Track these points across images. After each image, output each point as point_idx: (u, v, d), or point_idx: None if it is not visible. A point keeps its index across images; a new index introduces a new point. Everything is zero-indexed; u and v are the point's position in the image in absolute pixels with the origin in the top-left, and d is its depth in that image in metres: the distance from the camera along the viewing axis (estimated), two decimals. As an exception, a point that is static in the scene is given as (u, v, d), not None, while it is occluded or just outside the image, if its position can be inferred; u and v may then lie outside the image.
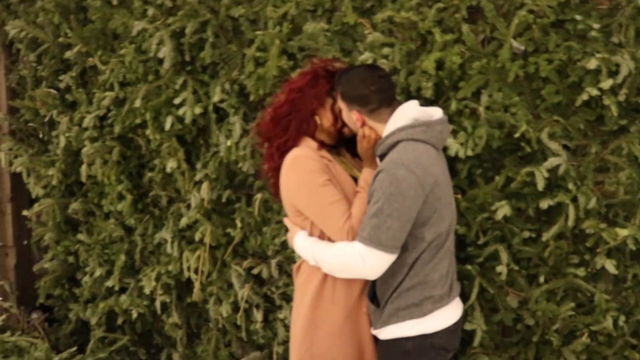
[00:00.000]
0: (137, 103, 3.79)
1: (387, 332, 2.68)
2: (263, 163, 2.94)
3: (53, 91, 4.34)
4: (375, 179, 2.54)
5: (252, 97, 3.53)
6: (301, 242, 2.77)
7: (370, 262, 2.52)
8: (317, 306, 2.75)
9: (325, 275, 2.74)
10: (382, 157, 2.67)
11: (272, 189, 2.95)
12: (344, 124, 2.82)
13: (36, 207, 4.44)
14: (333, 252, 2.63)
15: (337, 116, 2.81)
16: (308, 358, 2.75)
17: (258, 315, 3.75)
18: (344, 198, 2.67)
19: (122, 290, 4.32)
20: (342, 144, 2.98)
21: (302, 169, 2.68)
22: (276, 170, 2.82)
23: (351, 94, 2.71)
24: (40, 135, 4.56)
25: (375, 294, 2.71)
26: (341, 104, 2.76)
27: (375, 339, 2.80)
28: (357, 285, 2.77)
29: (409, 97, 3.09)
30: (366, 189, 2.67)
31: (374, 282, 2.72)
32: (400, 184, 2.47)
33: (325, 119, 2.81)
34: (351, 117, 2.73)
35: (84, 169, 4.10)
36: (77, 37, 4.07)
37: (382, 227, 2.47)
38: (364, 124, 2.72)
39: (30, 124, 4.58)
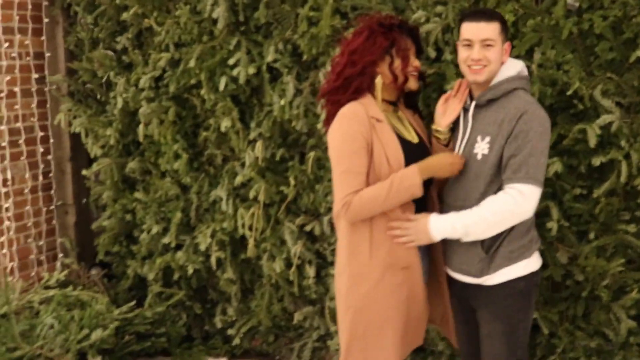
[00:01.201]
0: (192, 63, 3.91)
1: (500, 276, 2.76)
2: (324, 124, 2.98)
3: (110, 53, 4.48)
4: (519, 121, 2.62)
5: (305, 57, 3.63)
6: (442, 223, 2.73)
7: (532, 199, 2.63)
8: (355, 261, 2.80)
9: (361, 230, 2.78)
10: (489, 101, 2.74)
11: None
12: (406, 80, 2.86)
13: (95, 167, 4.62)
14: (491, 209, 2.65)
15: (395, 74, 2.83)
16: (351, 314, 2.82)
17: (310, 271, 3.89)
18: (364, 174, 2.71)
19: (178, 247, 4.48)
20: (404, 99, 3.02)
21: (343, 126, 2.74)
22: (329, 119, 2.90)
23: (506, 27, 2.77)
24: (98, 97, 4.71)
25: (483, 242, 2.76)
26: (498, 38, 2.69)
27: (471, 289, 2.85)
28: (385, 236, 2.80)
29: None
30: (394, 184, 2.69)
31: None
32: (545, 122, 2.65)
33: (385, 76, 2.83)
34: (503, 51, 2.73)
35: (141, 128, 4.25)
36: (133, -1, 4.19)
37: (538, 164, 2.61)
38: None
39: (87, 86, 4.74)
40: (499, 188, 2.70)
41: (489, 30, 2.67)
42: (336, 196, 2.74)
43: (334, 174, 2.77)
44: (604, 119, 3.01)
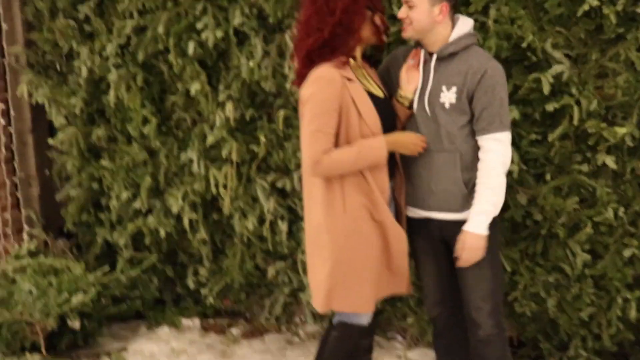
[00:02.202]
0: (160, 30, 4.06)
1: None
2: (295, 83, 3.17)
3: (72, 22, 4.56)
4: (485, 75, 2.95)
5: (271, 20, 3.82)
6: (480, 222, 3.02)
7: (509, 143, 3.03)
8: (331, 216, 3.03)
9: (334, 186, 3.02)
10: (450, 55, 3.03)
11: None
12: (380, 34, 3.11)
13: (60, 136, 4.73)
14: (490, 174, 3.00)
15: (378, 27, 3.08)
16: (330, 265, 3.03)
17: (283, 227, 4.11)
18: (333, 135, 2.94)
19: (149, 211, 4.65)
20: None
21: (320, 89, 2.94)
22: (301, 77, 3.08)
23: None
24: (59, 67, 4.80)
25: (463, 178, 3.06)
26: (419, 1, 2.96)
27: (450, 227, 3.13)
28: (364, 191, 3.04)
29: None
30: (362, 152, 2.95)
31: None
32: (504, 74, 3.01)
33: (365, 32, 3.05)
34: (432, 11, 2.97)
35: (111, 94, 4.37)
36: (94, -33, 4.28)
37: (507, 112, 3.01)
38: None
39: (47, 56, 4.81)
40: (470, 131, 3.04)
41: None
42: (306, 153, 2.96)
43: (305, 131, 2.97)
44: (555, 69, 3.30)
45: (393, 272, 3.14)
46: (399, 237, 3.11)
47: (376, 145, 2.99)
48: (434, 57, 3.08)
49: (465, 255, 3.03)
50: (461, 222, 3.07)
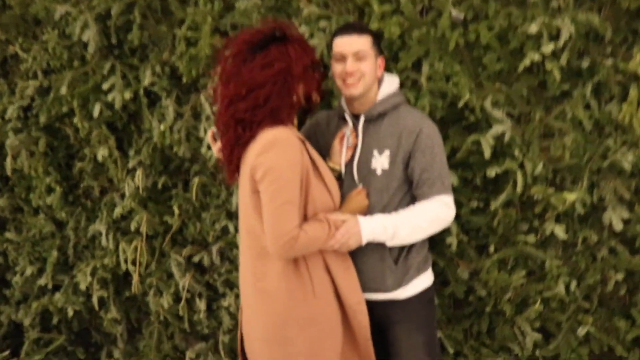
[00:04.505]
0: (63, 91, 3.57)
1: (415, 287, 2.68)
2: (233, 149, 2.56)
3: (-29, 83, 4.04)
4: (420, 136, 2.58)
5: (184, 79, 3.35)
6: (373, 223, 2.53)
7: (453, 207, 2.65)
8: (300, 305, 2.46)
9: (300, 270, 2.48)
10: (378, 116, 2.64)
11: (227, 166, 2.61)
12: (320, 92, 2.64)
13: (-41, 207, 4.14)
14: (422, 215, 2.58)
15: (318, 89, 2.60)
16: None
17: (201, 305, 3.59)
18: (300, 204, 2.41)
19: (56, 288, 4.11)
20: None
21: (280, 154, 2.38)
22: (236, 145, 2.52)
23: (378, 40, 2.67)
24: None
25: (391, 253, 2.63)
26: (370, 51, 2.59)
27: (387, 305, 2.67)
28: (324, 272, 2.53)
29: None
30: (331, 228, 2.45)
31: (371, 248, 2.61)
32: (439, 135, 2.65)
33: (308, 92, 2.56)
34: (376, 65, 2.63)
35: (8, 161, 3.85)
36: (-5, 24, 3.81)
37: (448, 174, 2.65)
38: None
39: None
40: (401, 201, 2.62)
41: (361, 42, 2.58)
42: (277, 231, 2.36)
43: (270, 206, 2.37)
44: (496, 129, 2.87)
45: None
46: (365, 322, 2.59)
47: (351, 224, 2.49)
48: (362, 119, 2.64)
49: (339, 234, 2.47)
50: (393, 303, 2.64)
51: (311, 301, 2.46)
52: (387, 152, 2.60)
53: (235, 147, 2.50)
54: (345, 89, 2.61)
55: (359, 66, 2.57)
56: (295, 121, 2.61)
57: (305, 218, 2.45)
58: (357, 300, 2.56)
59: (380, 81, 2.68)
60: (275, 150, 2.38)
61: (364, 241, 2.53)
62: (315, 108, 2.72)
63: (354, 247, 2.53)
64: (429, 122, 2.64)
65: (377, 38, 2.66)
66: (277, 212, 2.36)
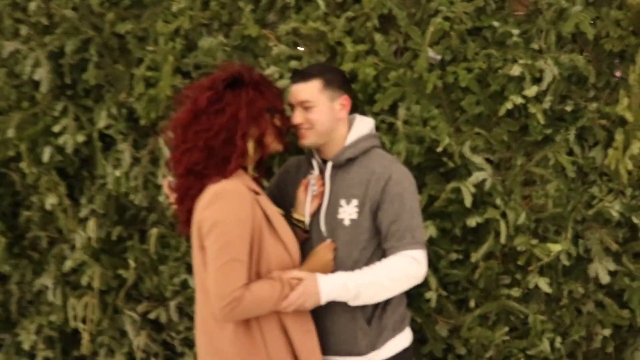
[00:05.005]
0: (10, 133, 3.31)
1: (390, 349, 2.44)
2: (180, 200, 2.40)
3: None
4: (389, 183, 2.37)
5: (142, 122, 3.13)
6: (333, 282, 2.29)
7: (425, 263, 2.39)
8: None
9: (252, 331, 2.26)
10: (348, 161, 2.45)
11: (181, 215, 2.44)
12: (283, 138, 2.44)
13: None
14: (387, 273, 2.34)
15: (280, 131, 2.40)
16: None
17: (157, 366, 3.29)
18: (247, 262, 2.21)
19: (-3, 347, 3.76)
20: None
21: (226, 208, 2.21)
22: (185, 196, 2.35)
23: (337, 79, 2.46)
24: None
25: (363, 313, 2.40)
26: (319, 97, 2.40)
27: None
28: (280, 334, 2.30)
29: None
30: (284, 287, 2.23)
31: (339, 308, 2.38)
32: (412, 180, 2.45)
33: (267, 138, 2.37)
34: (333, 107, 2.42)
35: None
36: (-64, 63, 3.56)
37: (420, 225, 2.41)
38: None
39: None
40: (373, 255, 2.40)
41: (307, 90, 2.42)
42: (219, 290, 2.15)
43: (215, 264, 2.18)
44: (477, 176, 2.72)
45: None
46: None
47: (308, 283, 2.26)
48: (329, 165, 2.44)
49: (294, 295, 2.22)
50: None
51: None
52: (354, 202, 2.39)
53: (185, 199, 2.33)
54: (299, 139, 2.47)
55: (306, 116, 2.42)
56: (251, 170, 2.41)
57: (258, 276, 2.23)
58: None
59: (350, 123, 2.49)
60: (221, 203, 2.21)
61: (323, 301, 2.29)
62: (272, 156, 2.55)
63: (311, 308, 2.31)
64: (398, 167, 2.45)
65: (333, 78, 2.45)
66: (221, 271, 2.16)
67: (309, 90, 2.41)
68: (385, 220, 2.35)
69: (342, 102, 2.44)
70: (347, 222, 2.39)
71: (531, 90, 2.65)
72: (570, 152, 2.75)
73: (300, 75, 2.45)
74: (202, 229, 2.22)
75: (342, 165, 2.45)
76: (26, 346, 3.50)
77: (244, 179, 2.30)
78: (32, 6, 3.29)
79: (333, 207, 2.43)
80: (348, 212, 2.40)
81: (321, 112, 2.40)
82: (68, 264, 3.32)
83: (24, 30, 3.31)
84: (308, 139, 2.42)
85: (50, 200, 3.31)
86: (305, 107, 2.40)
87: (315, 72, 2.45)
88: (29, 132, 3.30)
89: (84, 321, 3.31)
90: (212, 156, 2.26)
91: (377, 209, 2.37)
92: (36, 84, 3.31)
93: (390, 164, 2.44)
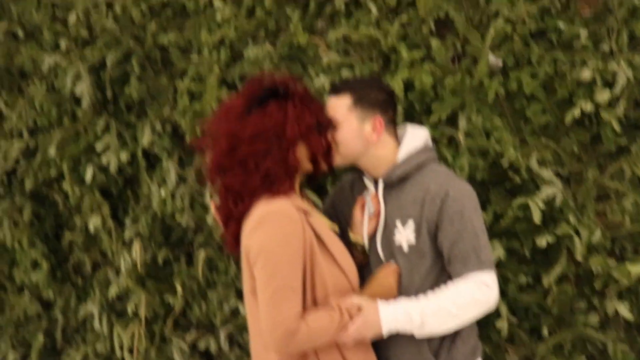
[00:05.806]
0: (52, 152, 3.52)
1: None
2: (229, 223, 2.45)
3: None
4: (447, 200, 2.34)
5: (187, 138, 3.26)
6: (395, 311, 2.30)
7: (495, 286, 2.37)
8: None
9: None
10: (400, 179, 2.44)
11: (227, 237, 2.48)
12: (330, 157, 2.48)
13: None
14: (453, 300, 2.31)
15: (328, 150, 2.43)
16: None
17: (209, 398, 3.43)
18: (301, 289, 2.23)
19: (42, 376, 4.00)
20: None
21: (274, 231, 2.23)
22: (229, 218, 2.40)
23: (371, 97, 2.42)
24: None
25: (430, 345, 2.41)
26: (347, 115, 2.41)
27: None
28: None
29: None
30: (343, 317, 2.25)
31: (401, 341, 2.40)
32: (473, 195, 2.42)
33: (311, 154, 2.40)
34: (363, 129, 2.40)
35: None
36: (-24, 79, 3.82)
37: (486, 244, 2.37)
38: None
39: None
40: (437, 281, 2.38)
41: (335, 106, 2.43)
42: (272, 321, 2.19)
43: (265, 293, 2.21)
44: (546, 191, 2.74)
45: None
46: None
47: (369, 312, 2.27)
48: (380, 184, 2.46)
49: (353, 326, 2.24)
50: None
51: None
52: (410, 223, 2.39)
53: (230, 222, 2.38)
54: None
55: (332, 134, 2.42)
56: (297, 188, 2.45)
57: (315, 303, 2.26)
58: None
59: (399, 138, 2.49)
60: (267, 227, 2.23)
61: (385, 333, 2.31)
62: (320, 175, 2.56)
63: (372, 339, 2.35)
64: (457, 183, 2.41)
65: (367, 96, 2.43)
66: (272, 300, 2.19)
67: (338, 106, 2.42)
68: (446, 242, 2.34)
69: (375, 125, 2.41)
70: (405, 248, 2.40)
71: (603, 96, 2.65)
72: (648, 164, 2.77)
73: (333, 88, 2.48)
74: (249, 256, 2.27)
75: (394, 184, 2.46)
76: (72, 375, 3.70)
77: (293, 198, 2.33)
78: (72, 18, 3.48)
79: (389, 229, 2.44)
80: (405, 235, 2.40)
81: (346, 133, 2.40)
82: (113, 290, 3.49)
83: (63, 43, 3.52)
84: (335, 160, 2.45)
85: (94, 222, 3.50)
86: (333, 124, 2.42)
87: (348, 86, 2.46)
88: (71, 151, 3.51)
89: (131, 351, 3.47)
90: (252, 171, 2.29)
91: (436, 230, 2.36)
92: (77, 100, 3.51)
93: (447, 180, 2.41)
